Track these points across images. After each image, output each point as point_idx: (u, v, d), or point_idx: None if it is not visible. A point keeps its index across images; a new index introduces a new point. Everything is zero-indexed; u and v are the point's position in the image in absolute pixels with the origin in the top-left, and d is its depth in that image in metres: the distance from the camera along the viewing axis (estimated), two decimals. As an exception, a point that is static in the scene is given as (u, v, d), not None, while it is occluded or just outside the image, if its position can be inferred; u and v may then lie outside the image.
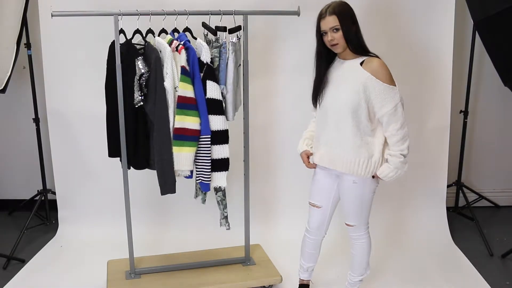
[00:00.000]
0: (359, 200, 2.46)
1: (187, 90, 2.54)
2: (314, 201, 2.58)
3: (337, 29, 2.26)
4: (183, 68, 2.52)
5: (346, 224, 2.56)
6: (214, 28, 2.65)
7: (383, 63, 2.31)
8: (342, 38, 2.27)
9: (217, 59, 2.64)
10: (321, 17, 2.30)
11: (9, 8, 3.19)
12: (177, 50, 2.54)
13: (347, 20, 2.28)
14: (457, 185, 3.98)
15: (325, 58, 2.41)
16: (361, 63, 2.32)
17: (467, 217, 3.88)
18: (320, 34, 2.34)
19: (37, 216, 3.77)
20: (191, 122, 2.56)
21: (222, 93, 2.65)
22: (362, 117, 2.32)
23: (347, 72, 2.34)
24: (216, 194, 2.79)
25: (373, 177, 2.41)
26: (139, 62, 2.57)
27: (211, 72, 2.60)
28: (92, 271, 3.08)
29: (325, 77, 2.41)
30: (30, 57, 3.55)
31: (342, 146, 2.37)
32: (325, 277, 3.04)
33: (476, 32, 3.51)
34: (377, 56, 2.35)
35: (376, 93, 2.27)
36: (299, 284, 2.83)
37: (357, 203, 2.47)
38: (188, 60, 2.55)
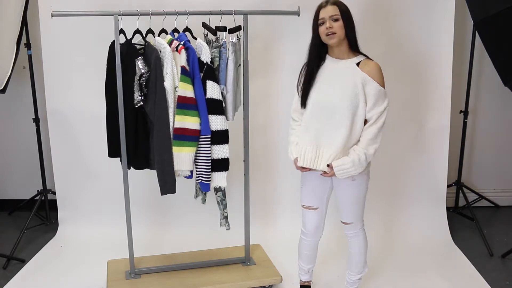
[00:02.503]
0: (357, 196, 2.47)
1: (187, 90, 2.54)
2: (310, 203, 2.57)
3: (336, 19, 2.29)
4: (183, 68, 2.52)
5: (343, 222, 2.55)
6: (214, 28, 2.65)
7: (379, 67, 2.35)
8: (341, 29, 2.29)
9: (217, 59, 2.64)
10: (321, 6, 2.33)
11: (9, 8, 3.20)
12: (177, 50, 2.54)
13: (347, 13, 2.32)
14: (457, 185, 3.98)
15: (318, 54, 2.40)
16: (358, 64, 2.34)
17: (467, 217, 3.88)
18: (317, 26, 2.34)
19: (37, 216, 3.77)
20: (191, 122, 2.56)
21: (222, 93, 2.65)
22: (358, 117, 2.34)
23: (345, 72, 2.34)
24: (216, 194, 2.79)
25: (327, 166, 2.39)
26: (139, 62, 2.57)
27: (211, 72, 2.60)
28: (92, 271, 3.08)
29: (319, 75, 2.40)
30: (30, 57, 3.55)
31: (339, 146, 2.36)
32: (325, 277, 3.04)
33: (476, 32, 3.51)
34: (370, 59, 2.39)
35: (372, 94, 2.32)
36: (300, 286, 2.83)
37: (355, 200, 2.48)
38: (188, 60, 2.55)
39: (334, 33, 2.29)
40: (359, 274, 2.68)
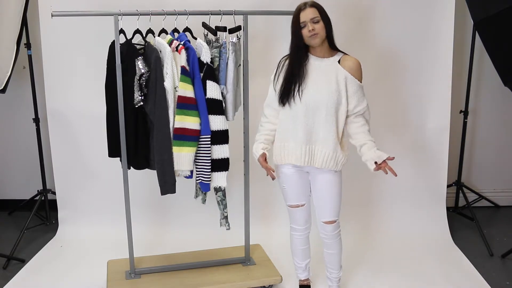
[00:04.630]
0: (338, 189, 2.53)
1: (187, 90, 2.54)
2: (297, 202, 2.59)
3: (317, 21, 2.35)
4: (183, 68, 2.52)
5: (328, 222, 2.55)
6: (214, 28, 2.65)
7: (359, 62, 2.45)
8: (323, 29, 2.37)
9: (217, 59, 2.64)
10: (300, 10, 2.38)
11: (9, 8, 3.19)
12: (177, 50, 2.54)
13: (325, 14, 2.40)
14: (457, 185, 3.98)
15: (302, 54, 2.45)
16: (339, 61, 2.44)
17: (467, 217, 3.88)
18: (297, 29, 2.39)
19: (37, 216, 3.77)
20: (191, 122, 2.56)
21: (222, 93, 2.65)
22: (341, 113, 2.42)
23: (328, 70, 2.42)
24: (216, 194, 2.79)
25: (376, 164, 2.41)
26: (139, 62, 2.57)
27: (211, 72, 2.60)
28: (92, 271, 3.08)
29: (304, 73, 2.43)
30: (30, 57, 3.55)
31: (324, 142, 2.42)
32: (324, 275, 3.04)
33: (476, 32, 3.51)
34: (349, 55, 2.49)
35: (353, 91, 2.43)
36: (300, 285, 2.82)
37: (337, 193, 2.53)
38: (188, 60, 2.55)
39: (316, 34, 2.36)
40: (341, 269, 2.74)
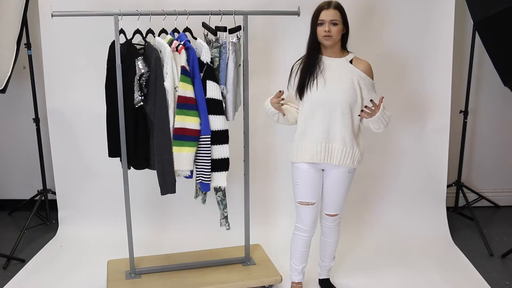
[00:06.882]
0: (347, 188, 2.60)
1: (187, 90, 2.54)
2: (308, 199, 2.59)
3: (335, 24, 2.39)
4: (183, 68, 2.52)
5: (329, 215, 2.64)
6: (214, 28, 2.65)
7: (370, 65, 2.53)
8: (339, 33, 2.42)
9: (217, 59, 2.65)
10: (323, 8, 2.41)
11: (9, 8, 3.20)
12: (177, 50, 2.54)
13: (346, 18, 2.44)
14: (457, 185, 3.98)
15: (317, 52, 2.49)
16: (351, 62, 2.49)
17: (467, 217, 3.88)
18: (314, 25, 2.43)
19: (37, 216, 3.77)
20: (191, 122, 2.57)
21: (222, 93, 2.65)
22: (356, 111, 2.48)
23: (341, 69, 2.47)
24: (216, 194, 2.79)
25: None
26: (139, 62, 2.57)
27: (211, 72, 2.60)
28: (92, 271, 3.08)
29: (318, 69, 2.47)
30: (30, 57, 3.55)
31: (342, 140, 2.47)
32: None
33: (476, 32, 3.51)
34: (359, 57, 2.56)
35: (368, 88, 2.50)
36: None
37: (345, 192, 2.60)
38: (188, 60, 2.55)
39: (331, 36, 2.40)
40: (334, 259, 2.81)
